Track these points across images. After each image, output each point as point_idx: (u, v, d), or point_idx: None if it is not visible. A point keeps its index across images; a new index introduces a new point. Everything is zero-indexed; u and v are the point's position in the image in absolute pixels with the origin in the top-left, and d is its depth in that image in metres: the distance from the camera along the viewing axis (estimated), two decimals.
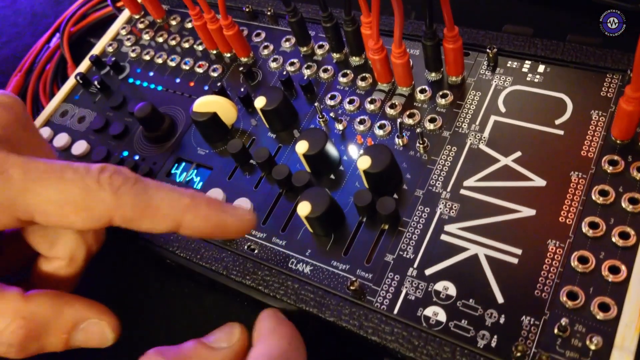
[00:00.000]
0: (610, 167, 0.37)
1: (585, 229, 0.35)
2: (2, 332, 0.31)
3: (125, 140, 0.51)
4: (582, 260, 0.34)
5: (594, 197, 0.36)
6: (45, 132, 0.54)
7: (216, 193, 0.44)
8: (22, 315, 0.31)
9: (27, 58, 0.79)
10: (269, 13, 0.53)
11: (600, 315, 0.32)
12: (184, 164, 0.48)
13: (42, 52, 0.78)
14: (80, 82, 0.56)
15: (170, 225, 0.33)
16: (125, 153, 0.51)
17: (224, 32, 0.49)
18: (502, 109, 0.42)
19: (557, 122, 0.40)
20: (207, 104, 0.46)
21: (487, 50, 0.43)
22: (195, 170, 0.47)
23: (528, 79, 0.43)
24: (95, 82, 0.55)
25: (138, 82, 0.56)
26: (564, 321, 0.32)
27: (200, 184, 0.46)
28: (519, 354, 0.32)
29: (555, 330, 0.32)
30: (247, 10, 0.55)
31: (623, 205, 0.35)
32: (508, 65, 0.44)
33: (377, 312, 0.36)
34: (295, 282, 0.39)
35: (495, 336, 0.33)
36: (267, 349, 0.32)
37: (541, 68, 0.43)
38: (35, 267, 0.36)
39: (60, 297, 0.34)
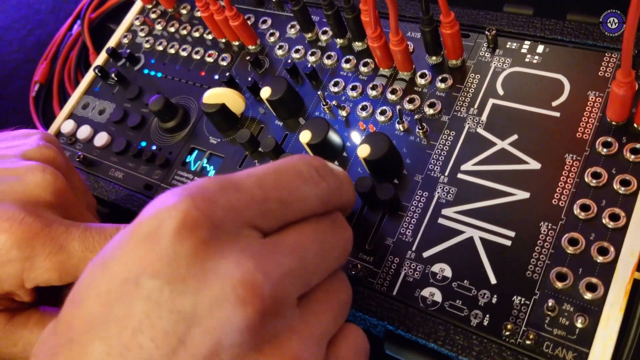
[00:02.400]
0: (605, 149, 0.38)
1: (577, 211, 0.36)
2: None
3: (142, 130, 0.54)
4: (573, 242, 0.35)
5: (587, 180, 0.37)
6: (69, 124, 0.57)
7: None
8: None
9: (52, 46, 0.82)
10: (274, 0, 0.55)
11: (587, 295, 0.34)
12: (197, 152, 0.51)
13: (65, 40, 0.81)
14: (99, 74, 0.59)
15: None
16: (144, 143, 0.53)
17: (230, 22, 0.51)
18: (501, 92, 0.43)
19: (554, 103, 0.41)
20: (215, 95, 0.48)
21: (486, 32, 0.44)
22: (208, 159, 0.50)
23: (527, 60, 0.43)
24: (113, 75, 0.58)
25: (152, 73, 0.58)
26: (550, 302, 0.34)
27: (213, 172, 0.49)
28: (508, 332, 0.34)
29: (544, 310, 0.34)
30: None
31: (615, 187, 0.36)
32: (507, 46, 0.44)
33: (378, 293, 0.39)
34: None
35: (488, 315, 0.35)
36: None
37: (540, 48, 0.43)
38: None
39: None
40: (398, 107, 0.44)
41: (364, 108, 0.46)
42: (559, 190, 0.38)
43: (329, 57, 0.50)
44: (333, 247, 0.29)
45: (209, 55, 0.56)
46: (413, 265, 0.39)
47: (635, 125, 0.37)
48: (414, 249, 0.39)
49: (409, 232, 0.40)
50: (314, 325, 0.26)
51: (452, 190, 0.40)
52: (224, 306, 0.22)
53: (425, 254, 0.39)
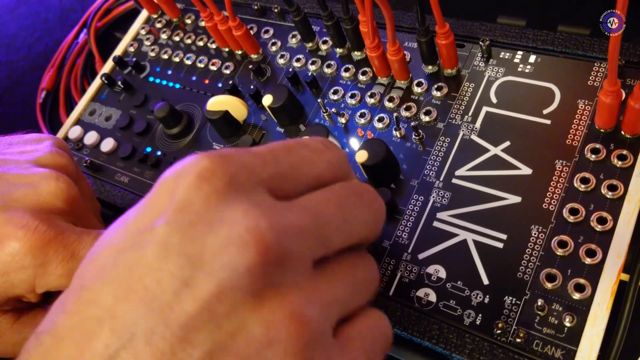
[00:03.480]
0: (593, 156, 0.39)
1: (566, 215, 0.38)
2: None
3: (148, 136, 0.56)
4: (562, 244, 0.37)
5: (576, 185, 0.39)
6: (77, 130, 0.59)
7: None
8: None
9: (59, 53, 0.84)
10: (276, 10, 0.56)
11: (576, 295, 0.35)
12: None
13: (71, 47, 0.83)
14: (106, 82, 0.61)
15: None
16: (149, 149, 0.55)
17: (233, 32, 0.53)
18: (494, 100, 0.44)
19: (545, 111, 0.42)
20: (219, 103, 0.49)
21: (480, 43, 0.45)
22: None
23: (519, 69, 0.45)
24: (119, 82, 0.59)
25: (158, 81, 0.60)
26: (540, 301, 0.35)
27: None
28: (499, 331, 0.35)
29: (534, 309, 0.36)
30: (255, 7, 0.58)
31: (603, 192, 0.38)
32: (501, 56, 0.46)
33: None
34: None
35: (480, 314, 0.37)
36: None
37: (532, 58, 0.45)
38: None
39: None
40: (395, 114, 0.45)
41: (362, 115, 0.47)
42: (549, 194, 0.39)
43: (328, 66, 0.51)
44: (356, 212, 0.28)
45: (213, 64, 0.57)
46: (409, 267, 0.40)
47: (622, 132, 0.39)
48: (409, 251, 0.41)
49: (405, 234, 0.41)
50: (325, 290, 0.26)
51: (447, 195, 0.42)
52: (228, 250, 0.23)
53: (421, 256, 0.40)
